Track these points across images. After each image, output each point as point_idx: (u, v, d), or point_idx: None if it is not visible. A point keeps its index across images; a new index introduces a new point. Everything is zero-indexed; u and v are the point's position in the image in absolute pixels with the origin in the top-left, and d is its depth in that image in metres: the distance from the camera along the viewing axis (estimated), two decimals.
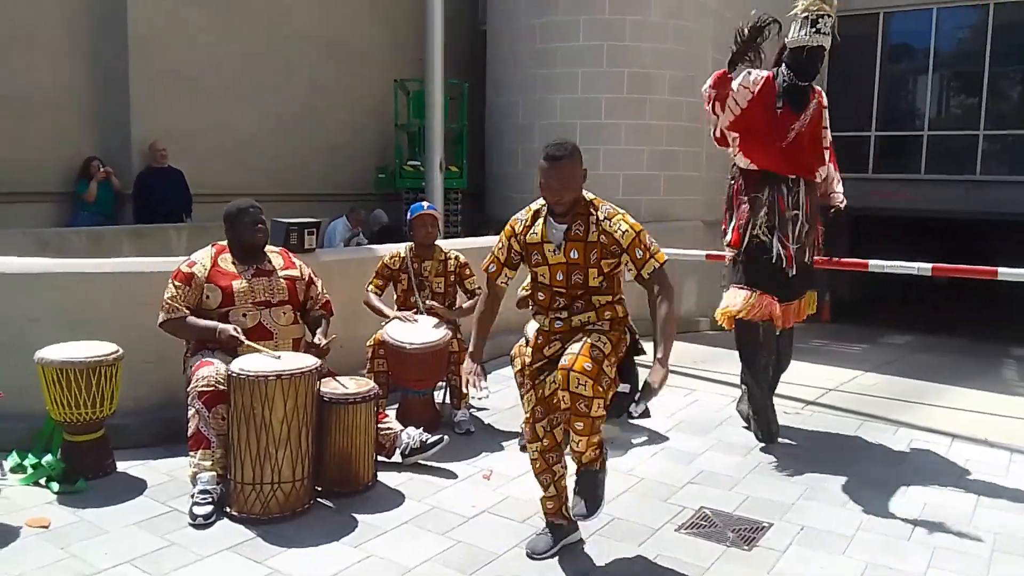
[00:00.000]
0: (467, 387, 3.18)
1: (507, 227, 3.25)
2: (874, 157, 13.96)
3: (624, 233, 2.99)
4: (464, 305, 4.89)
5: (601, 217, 3.03)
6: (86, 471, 3.79)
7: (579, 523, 3.28)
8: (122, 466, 3.97)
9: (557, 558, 3.20)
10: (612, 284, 3.12)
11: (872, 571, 3.15)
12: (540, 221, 3.14)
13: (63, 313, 4.24)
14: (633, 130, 9.80)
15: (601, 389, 2.91)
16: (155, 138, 8.44)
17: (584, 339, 2.99)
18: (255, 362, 3.55)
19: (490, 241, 7.29)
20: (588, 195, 3.11)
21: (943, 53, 13.80)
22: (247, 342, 3.78)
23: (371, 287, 4.84)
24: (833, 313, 13.54)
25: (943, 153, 13.57)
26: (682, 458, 4.35)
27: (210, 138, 9.12)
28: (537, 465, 3.22)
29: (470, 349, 3.26)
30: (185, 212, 8.48)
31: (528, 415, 3.19)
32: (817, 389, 5.82)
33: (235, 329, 3.79)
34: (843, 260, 6.81)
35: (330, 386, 3.84)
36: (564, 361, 2.93)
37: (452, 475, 4.06)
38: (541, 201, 3.16)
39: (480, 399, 3.34)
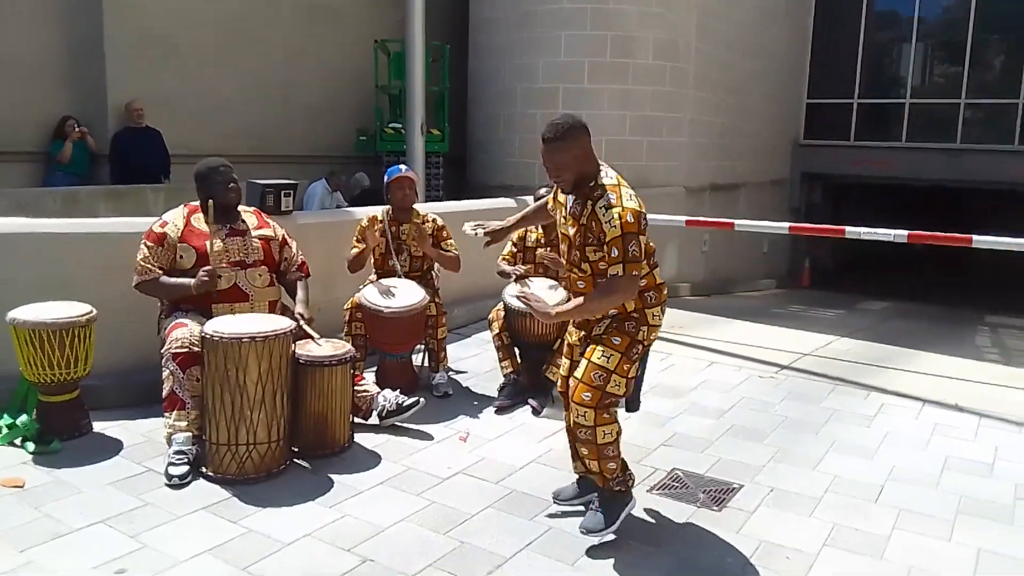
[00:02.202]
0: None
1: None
2: (856, 125, 13.99)
3: (611, 230, 2.83)
4: (439, 252, 4.83)
5: (600, 204, 2.86)
6: (61, 431, 3.79)
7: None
8: (98, 427, 3.97)
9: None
10: None
11: (838, 532, 3.22)
12: None
13: (37, 274, 4.19)
14: (616, 95, 9.74)
15: (606, 416, 2.93)
16: (131, 99, 8.29)
17: (589, 358, 2.95)
18: (228, 324, 3.55)
19: (473, 205, 7.30)
20: (606, 178, 2.93)
21: (927, 21, 13.80)
22: (217, 269, 3.78)
23: (354, 251, 4.80)
24: (812, 279, 13.69)
25: (925, 121, 13.63)
26: (656, 421, 4.40)
27: (188, 100, 8.97)
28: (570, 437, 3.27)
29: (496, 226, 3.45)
30: (163, 173, 8.35)
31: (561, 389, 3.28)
32: (792, 354, 5.88)
33: (204, 271, 3.75)
34: (820, 226, 6.87)
35: (306, 348, 3.84)
36: (570, 385, 3.00)
37: (428, 437, 4.09)
38: None
39: (475, 233, 3.53)
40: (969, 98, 13.15)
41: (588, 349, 3.00)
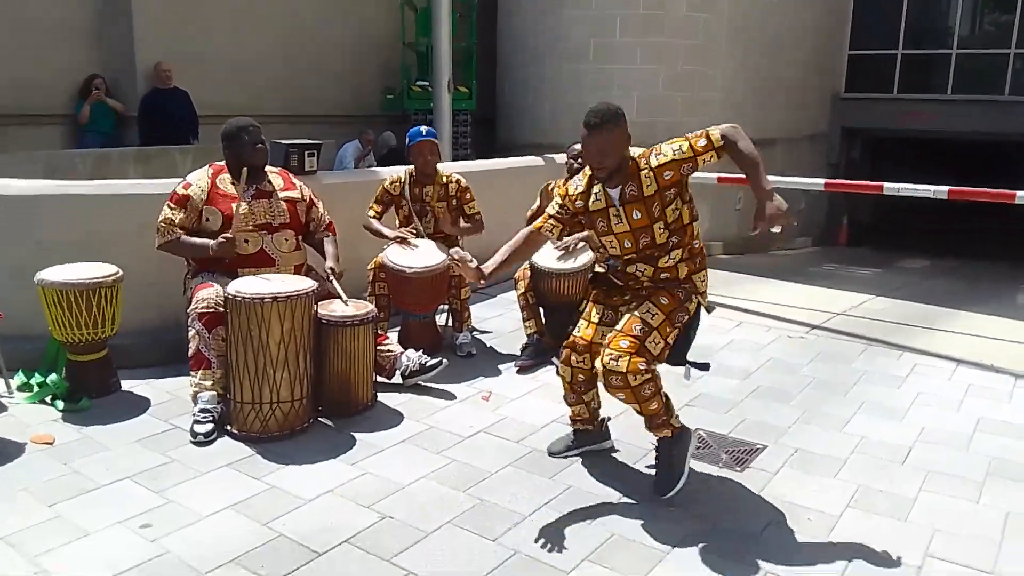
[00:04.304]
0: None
1: (561, 191, 3.20)
2: (900, 76, 13.53)
3: (679, 148, 2.93)
4: (463, 225, 4.84)
5: (654, 164, 2.95)
6: (90, 390, 3.87)
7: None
8: (126, 385, 4.05)
9: (576, 460, 3.39)
10: (683, 236, 3.05)
11: (863, 494, 3.17)
12: (599, 186, 3.06)
13: (67, 235, 4.26)
14: (649, 49, 9.53)
15: (641, 365, 2.89)
16: (160, 59, 8.32)
17: (633, 312, 3.01)
18: (251, 284, 3.57)
19: (499, 163, 7.22)
20: (636, 151, 3.02)
21: None
22: (243, 234, 3.81)
23: (371, 212, 4.80)
24: (850, 236, 13.40)
25: (972, 72, 13.12)
26: (680, 381, 4.33)
27: (216, 59, 8.97)
28: (565, 388, 3.33)
29: (486, 265, 3.10)
30: (191, 134, 8.39)
31: (569, 343, 3.25)
32: (824, 313, 5.78)
33: (223, 236, 3.75)
34: (857, 183, 6.68)
35: (328, 308, 3.85)
36: (608, 338, 2.98)
37: (451, 396, 4.11)
38: None
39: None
40: (1019, 48, 12.62)
41: (634, 304, 3.06)
